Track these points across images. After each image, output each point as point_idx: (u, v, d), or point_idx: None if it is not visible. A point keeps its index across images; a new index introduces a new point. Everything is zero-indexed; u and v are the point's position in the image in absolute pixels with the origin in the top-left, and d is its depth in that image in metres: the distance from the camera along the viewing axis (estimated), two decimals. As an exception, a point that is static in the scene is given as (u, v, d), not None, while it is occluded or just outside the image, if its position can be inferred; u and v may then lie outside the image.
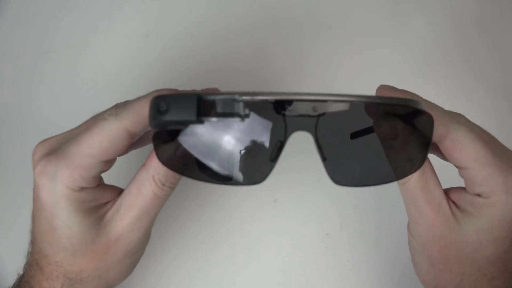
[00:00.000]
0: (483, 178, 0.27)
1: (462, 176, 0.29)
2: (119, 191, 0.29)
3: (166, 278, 0.41)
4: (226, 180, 0.27)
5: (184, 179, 0.28)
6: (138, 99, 0.28)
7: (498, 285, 0.29)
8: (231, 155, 0.27)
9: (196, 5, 0.52)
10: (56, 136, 0.28)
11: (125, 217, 0.28)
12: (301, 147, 0.45)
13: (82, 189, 0.27)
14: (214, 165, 0.27)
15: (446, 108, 0.31)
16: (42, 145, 0.28)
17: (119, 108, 0.27)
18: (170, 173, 0.28)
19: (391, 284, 0.42)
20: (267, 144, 0.28)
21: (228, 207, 0.44)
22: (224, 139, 0.27)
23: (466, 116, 0.30)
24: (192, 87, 0.49)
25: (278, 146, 0.28)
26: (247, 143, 0.27)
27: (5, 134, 0.46)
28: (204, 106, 0.24)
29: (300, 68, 0.50)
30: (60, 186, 0.26)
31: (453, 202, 0.29)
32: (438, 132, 0.28)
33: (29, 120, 0.47)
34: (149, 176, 0.27)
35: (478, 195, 0.28)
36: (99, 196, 0.28)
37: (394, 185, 0.47)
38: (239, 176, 0.27)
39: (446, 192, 0.30)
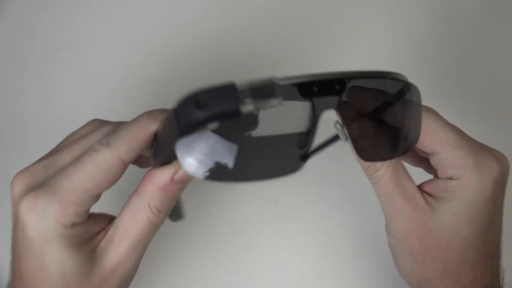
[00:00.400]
0: (454, 160, 0.28)
1: (433, 163, 0.30)
2: (109, 219, 0.28)
3: (165, 278, 0.41)
4: (258, 175, 0.26)
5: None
6: (128, 125, 0.26)
7: (481, 270, 0.29)
8: (263, 148, 0.26)
9: (196, 5, 0.52)
10: (35, 164, 0.27)
11: (119, 247, 0.27)
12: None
13: (74, 224, 0.25)
14: (245, 161, 0.25)
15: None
16: (23, 176, 0.26)
17: (109, 137, 0.26)
18: (166, 199, 0.27)
19: (391, 283, 0.42)
20: (298, 131, 0.27)
21: (228, 207, 0.44)
22: (257, 131, 0.25)
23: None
24: (192, 87, 0.49)
25: (309, 132, 0.27)
26: (278, 132, 0.26)
27: (5, 134, 0.46)
28: (242, 94, 0.21)
29: (300, 68, 0.50)
30: (52, 223, 0.24)
31: (427, 193, 0.30)
32: None
33: (29, 120, 0.47)
34: (144, 204, 0.26)
35: (450, 178, 0.29)
36: (90, 228, 0.27)
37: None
38: (271, 169, 0.26)
39: (419, 186, 0.31)
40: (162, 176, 0.26)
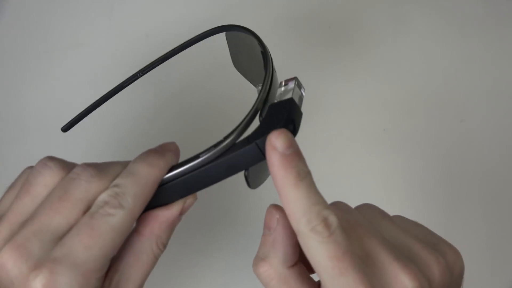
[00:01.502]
0: None
1: None
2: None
3: (164, 278, 0.41)
4: None
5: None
6: (134, 179, 0.25)
7: None
8: None
9: (196, 5, 0.52)
10: (20, 234, 0.23)
11: None
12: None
13: None
14: None
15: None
16: (13, 250, 0.23)
17: (120, 196, 0.24)
18: (171, 232, 0.27)
19: None
20: None
21: (228, 207, 0.44)
22: None
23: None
24: (191, 86, 0.49)
25: None
26: None
27: (5, 134, 0.46)
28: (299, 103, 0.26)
29: (300, 68, 0.50)
30: None
31: None
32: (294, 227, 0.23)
33: (28, 121, 0.47)
34: (152, 244, 0.26)
35: None
36: (101, 282, 0.25)
37: (396, 189, 0.47)
38: None
39: None
40: (171, 213, 0.26)
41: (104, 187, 0.25)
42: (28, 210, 0.25)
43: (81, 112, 0.34)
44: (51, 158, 0.26)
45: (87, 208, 0.24)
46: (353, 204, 0.28)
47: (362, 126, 0.48)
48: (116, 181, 0.25)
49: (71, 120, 0.34)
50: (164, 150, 0.27)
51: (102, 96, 0.34)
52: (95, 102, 0.34)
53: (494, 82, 0.51)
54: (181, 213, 0.27)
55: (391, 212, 0.28)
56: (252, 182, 0.27)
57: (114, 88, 0.34)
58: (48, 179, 0.25)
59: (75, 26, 0.51)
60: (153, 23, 0.51)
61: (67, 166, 0.25)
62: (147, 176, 0.25)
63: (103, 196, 0.24)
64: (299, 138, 0.27)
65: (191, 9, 0.52)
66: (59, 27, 0.51)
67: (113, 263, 0.26)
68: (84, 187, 0.24)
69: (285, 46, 0.51)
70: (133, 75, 0.34)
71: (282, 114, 0.25)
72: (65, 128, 0.35)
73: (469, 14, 0.53)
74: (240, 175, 0.27)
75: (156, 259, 0.26)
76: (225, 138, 0.25)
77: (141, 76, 0.34)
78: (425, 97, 0.49)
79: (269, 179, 0.27)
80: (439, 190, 0.47)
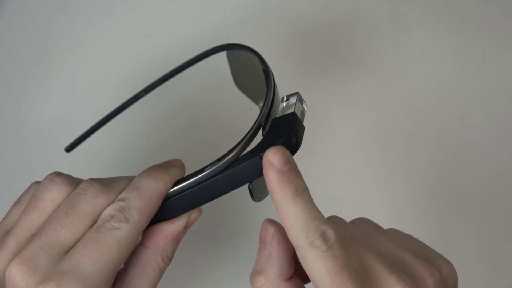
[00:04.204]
0: None
1: None
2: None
3: (164, 278, 0.41)
4: None
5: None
6: (139, 193, 0.25)
7: None
8: None
9: (196, 5, 0.52)
10: (28, 248, 0.24)
11: None
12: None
13: None
14: None
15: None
16: (21, 264, 0.23)
17: (125, 210, 0.25)
18: (177, 246, 0.27)
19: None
20: None
21: (228, 208, 0.44)
22: None
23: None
24: (191, 86, 0.49)
25: None
26: None
27: (4, 134, 0.46)
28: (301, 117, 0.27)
29: (300, 68, 0.50)
30: None
31: None
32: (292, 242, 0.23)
33: (28, 121, 0.47)
34: (157, 257, 0.26)
35: None
36: None
37: (396, 188, 0.47)
38: None
39: None
40: (176, 227, 0.27)
41: (110, 201, 0.25)
42: (35, 224, 0.25)
43: (84, 132, 0.35)
44: (58, 174, 0.26)
45: (94, 222, 0.25)
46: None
47: (362, 126, 0.48)
48: (121, 195, 0.25)
49: (74, 140, 0.34)
50: (169, 166, 0.27)
51: (106, 116, 0.36)
52: (98, 122, 0.35)
53: (494, 82, 0.51)
54: (186, 227, 0.27)
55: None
56: (256, 195, 0.28)
57: (117, 107, 0.35)
58: (55, 195, 0.25)
59: (75, 26, 0.51)
60: (152, 23, 0.51)
61: (74, 182, 0.26)
62: (152, 190, 0.25)
63: (109, 210, 0.25)
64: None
65: (191, 9, 0.52)
66: (59, 27, 0.50)
67: (119, 276, 0.26)
68: (91, 202, 0.25)
69: (284, 46, 0.51)
70: (136, 94, 0.35)
71: (285, 128, 0.25)
72: (68, 149, 0.35)
73: (469, 14, 0.53)
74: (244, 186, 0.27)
75: (161, 272, 0.27)
76: (229, 152, 0.26)
77: (144, 95, 0.35)
78: (425, 97, 0.49)
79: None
80: (439, 190, 0.47)
